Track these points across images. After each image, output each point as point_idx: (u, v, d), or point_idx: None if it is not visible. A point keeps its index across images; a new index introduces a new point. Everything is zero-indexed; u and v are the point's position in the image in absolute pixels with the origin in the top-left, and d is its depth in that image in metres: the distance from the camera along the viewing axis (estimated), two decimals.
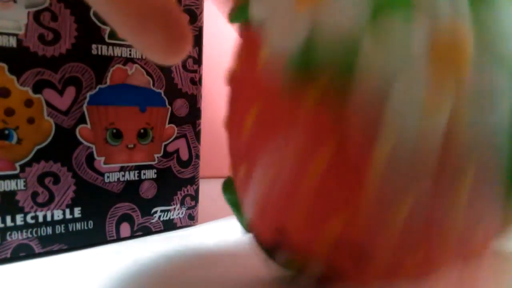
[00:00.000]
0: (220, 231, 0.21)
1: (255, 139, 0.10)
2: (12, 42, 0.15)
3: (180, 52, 0.12)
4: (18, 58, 0.16)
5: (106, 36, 0.17)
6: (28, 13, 0.16)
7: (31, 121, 0.16)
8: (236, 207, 0.13)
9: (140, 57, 0.18)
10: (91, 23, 0.17)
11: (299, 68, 0.09)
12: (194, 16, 0.20)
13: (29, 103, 0.16)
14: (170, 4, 0.12)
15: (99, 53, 0.17)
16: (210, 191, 0.30)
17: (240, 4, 0.12)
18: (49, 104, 0.16)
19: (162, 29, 0.12)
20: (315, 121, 0.09)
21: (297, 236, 0.11)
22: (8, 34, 0.15)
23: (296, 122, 0.09)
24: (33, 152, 0.16)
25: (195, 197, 0.21)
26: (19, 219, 0.16)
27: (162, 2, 0.12)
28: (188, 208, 0.21)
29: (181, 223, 0.21)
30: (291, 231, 0.11)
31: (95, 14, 0.17)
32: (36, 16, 0.16)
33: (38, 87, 0.16)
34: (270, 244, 0.12)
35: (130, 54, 0.18)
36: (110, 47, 0.18)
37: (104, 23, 0.17)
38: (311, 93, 0.09)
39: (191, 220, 0.21)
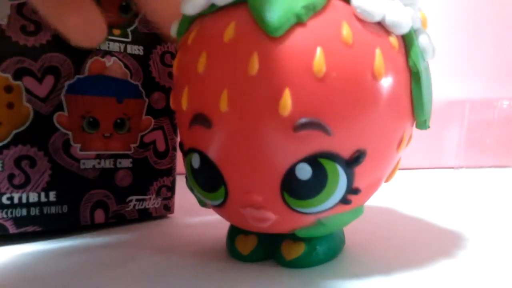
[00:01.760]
0: (196, 223, 0.21)
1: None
2: None
3: (97, 34, 0.16)
4: (0, 47, 0.17)
5: None
6: (11, 5, 0.17)
7: (10, 106, 0.17)
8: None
9: (118, 50, 0.19)
10: None
11: None
12: None
13: (9, 89, 0.17)
14: None
15: None
16: None
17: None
18: (28, 91, 0.17)
19: (78, 13, 0.15)
20: None
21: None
22: None
23: None
24: (11, 136, 0.17)
25: (171, 188, 0.22)
26: None
27: None
28: (164, 199, 0.22)
29: (156, 213, 0.22)
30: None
31: None
32: (19, 8, 0.17)
33: (18, 75, 0.17)
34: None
35: (108, 47, 0.19)
36: None
37: None
38: None
39: (167, 210, 0.22)
